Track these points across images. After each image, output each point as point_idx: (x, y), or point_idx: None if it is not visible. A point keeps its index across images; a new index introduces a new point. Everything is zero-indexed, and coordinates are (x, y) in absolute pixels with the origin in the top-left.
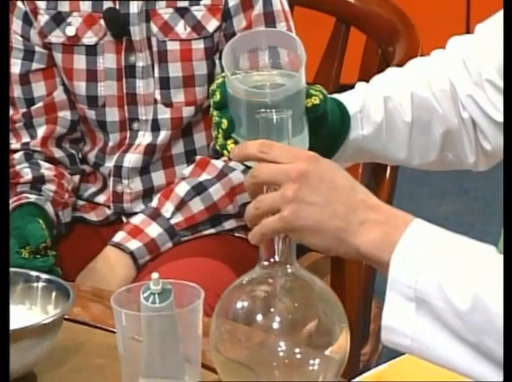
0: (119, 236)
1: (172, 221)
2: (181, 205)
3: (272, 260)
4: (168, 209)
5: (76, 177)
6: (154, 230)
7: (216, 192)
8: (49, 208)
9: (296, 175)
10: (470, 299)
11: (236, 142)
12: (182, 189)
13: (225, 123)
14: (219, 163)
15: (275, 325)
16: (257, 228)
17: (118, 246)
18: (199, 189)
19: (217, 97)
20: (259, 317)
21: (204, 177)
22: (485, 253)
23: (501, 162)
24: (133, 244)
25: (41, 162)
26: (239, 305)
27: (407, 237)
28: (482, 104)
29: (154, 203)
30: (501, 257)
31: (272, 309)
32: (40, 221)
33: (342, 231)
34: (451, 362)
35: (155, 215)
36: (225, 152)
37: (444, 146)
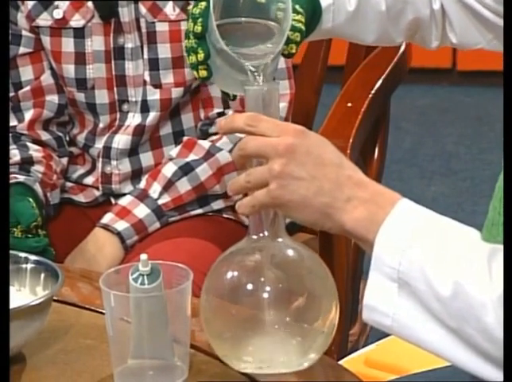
0: (107, 218)
1: (160, 202)
2: (168, 186)
3: (261, 235)
4: (155, 190)
5: (64, 160)
6: (142, 211)
7: (203, 172)
8: (38, 188)
9: (284, 149)
10: (451, 286)
11: (209, 70)
12: (169, 169)
13: (201, 55)
14: (205, 144)
15: (264, 295)
16: (248, 199)
17: (105, 227)
18: (186, 170)
19: (198, 28)
20: (248, 287)
21: (191, 157)
22: (470, 238)
23: (486, 145)
24: (121, 225)
25: (29, 144)
26: (229, 275)
27: (392, 217)
28: None
29: (142, 184)
30: (484, 244)
31: (261, 279)
32: (31, 200)
33: (328, 207)
34: (431, 344)
35: (143, 196)
36: (195, 73)
37: (411, 29)
